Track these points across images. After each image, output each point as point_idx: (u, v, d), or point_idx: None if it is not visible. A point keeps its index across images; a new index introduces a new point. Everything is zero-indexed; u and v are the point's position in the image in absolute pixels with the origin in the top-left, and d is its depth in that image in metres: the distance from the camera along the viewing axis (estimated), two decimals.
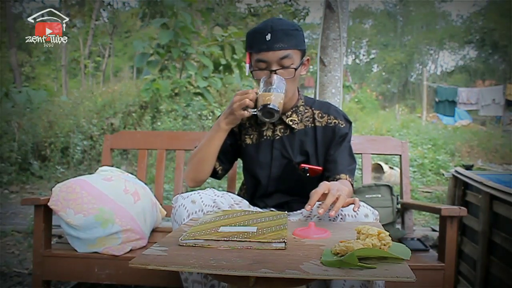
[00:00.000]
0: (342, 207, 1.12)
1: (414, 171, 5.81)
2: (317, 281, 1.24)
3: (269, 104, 1.26)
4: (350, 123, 1.51)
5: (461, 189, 2.14)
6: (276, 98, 1.27)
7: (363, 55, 32.26)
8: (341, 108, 1.67)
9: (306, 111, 1.50)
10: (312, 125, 1.48)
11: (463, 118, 12.08)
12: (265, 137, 1.48)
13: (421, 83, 13.51)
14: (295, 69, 1.35)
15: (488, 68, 24.25)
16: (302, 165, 1.44)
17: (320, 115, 1.49)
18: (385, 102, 22.35)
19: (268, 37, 1.31)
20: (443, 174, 5.77)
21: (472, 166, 6.49)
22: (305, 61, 1.42)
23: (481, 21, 24.64)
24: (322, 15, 2.46)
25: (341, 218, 1.23)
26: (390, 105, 20.20)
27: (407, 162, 2.04)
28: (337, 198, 1.09)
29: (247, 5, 13.04)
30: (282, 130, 1.48)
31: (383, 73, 27.54)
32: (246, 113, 1.31)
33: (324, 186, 1.13)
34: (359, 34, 30.18)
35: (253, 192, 1.56)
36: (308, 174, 1.44)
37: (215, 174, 1.53)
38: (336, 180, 1.41)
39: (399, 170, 2.10)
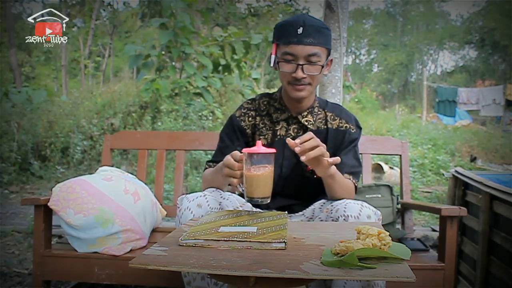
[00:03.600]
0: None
1: (414, 171, 5.81)
2: (317, 281, 1.24)
3: (253, 198, 1.16)
4: (360, 128, 1.53)
5: (461, 189, 2.14)
6: (261, 184, 1.15)
7: (363, 55, 32.25)
8: None
9: (319, 112, 1.50)
10: (325, 127, 1.49)
11: (463, 118, 12.08)
12: (279, 137, 1.48)
13: (421, 83, 13.51)
14: (322, 66, 1.35)
15: (488, 68, 24.25)
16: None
17: (332, 117, 1.50)
18: (385, 102, 22.34)
19: (300, 30, 1.31)
20: (443, 174, 5.77)
21: (476, 158, 6.52)
22: (329, 61, 1.42)
23: (481, 21, 24.63)
24: (322, 15, 2.46)
25: (344, 219, 1.23)
26: (390, 105, 20.19)
27: (407, 162, 2.04)
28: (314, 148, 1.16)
29: (247, 5, 13.06)
30: (295, 130, 1.48)
31: (383, 73, 27.53)
32: (237, 190, 1.29)
33: (309, 134, 1.18)
34: (359, 34, 30.18)
35: None
36: (315, 176, 1.45)
37: None
38: None
39: (399, 170, 2.10)
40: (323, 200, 1.43)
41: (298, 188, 1.50)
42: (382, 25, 30.53)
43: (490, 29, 22.34)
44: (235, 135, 1.51)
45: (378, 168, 5.37)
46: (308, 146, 1.15)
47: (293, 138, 1.45)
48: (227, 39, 6.21)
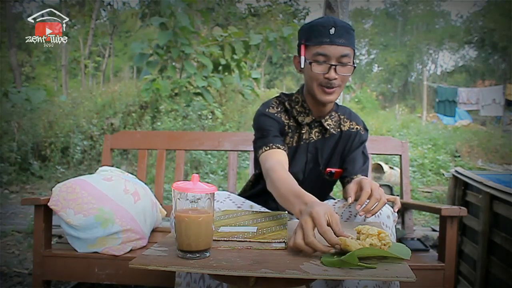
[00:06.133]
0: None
1: (414, 171, 5.81)
2: (319, 281, 1.24)
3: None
4: (367, 130, 1.55)
5: (461, 189, 2.14)
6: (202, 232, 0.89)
7: (363, 55, 32.22)
8: None
9: (334, 115, 1.51)
10: (339, 129, 1.50)
11: (463, 118, 12.08)
12: (303, 140, 1.47)
13: (421, 83, 13.53)
14: (354, 67, 1.34)
15: (488, 68, 24.24)
16: (328, 168, 1.47)
17: (344, 119, 1.51)
18: (385, 102, 22.36)
19: (332, 31, 1.30)
20: (443, 174, 5.77)
21: (459, 156, 6.51)
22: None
23: (481, 21, 24.61)
24: (322, 15, 2.46)
25: (365, 216, 1.20)
26: (390, 105, 20.21)
27: (407, 162, 2.04)
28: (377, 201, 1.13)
29: (247, 5, 13.06)
30: (317, 134, 1.48)
31: (383, 73, 27.53)
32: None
33: (368, 184, 1.15)
34: (359, 34, 30.13)
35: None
36: (333, 178, 1.48)
37: None
38: (351, 180, 1.41)
39: (399, 170, 2.10)
40: (337, 200, 1.42)
41: (311, 192, 1.49)
42: (382, 25, 30.50)
43: (490, 29, 22.31)
44: (277, 130, 1.44)
45: (378, 168, 5.37)
46: (370, 207, 1.13)
47: (315, 142, 1.46)
48: (227, 39, 6.21)
